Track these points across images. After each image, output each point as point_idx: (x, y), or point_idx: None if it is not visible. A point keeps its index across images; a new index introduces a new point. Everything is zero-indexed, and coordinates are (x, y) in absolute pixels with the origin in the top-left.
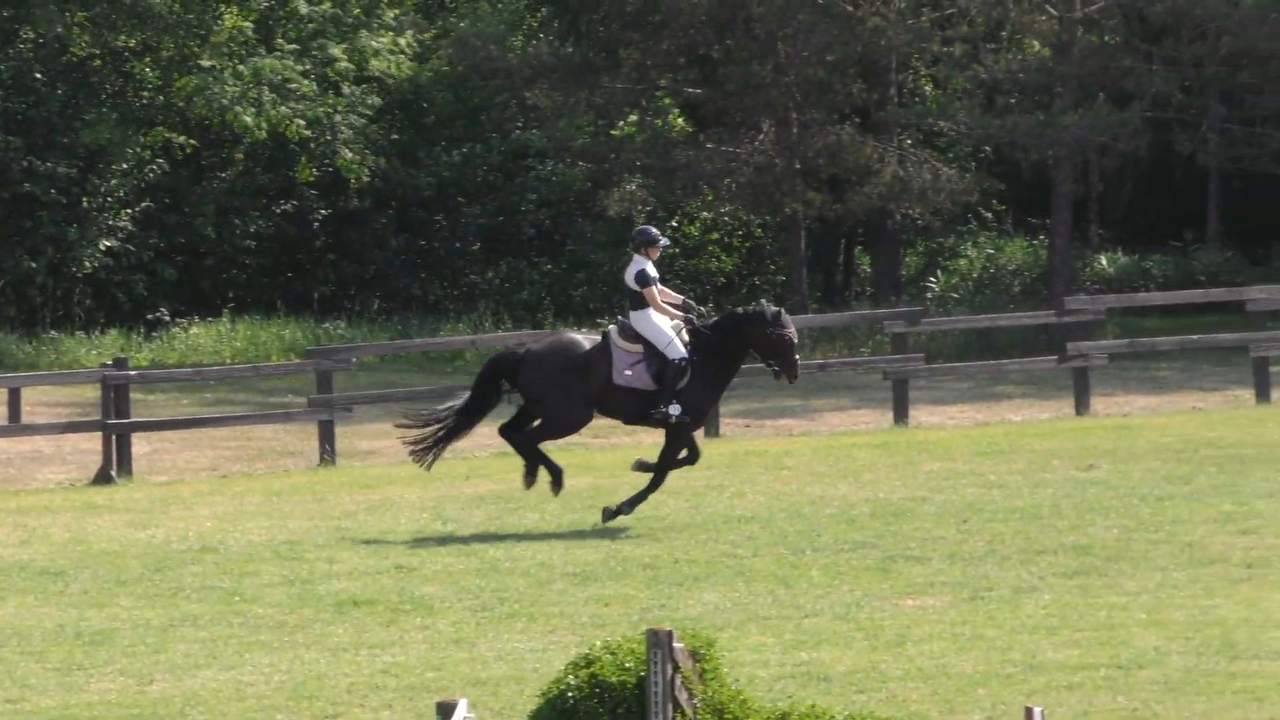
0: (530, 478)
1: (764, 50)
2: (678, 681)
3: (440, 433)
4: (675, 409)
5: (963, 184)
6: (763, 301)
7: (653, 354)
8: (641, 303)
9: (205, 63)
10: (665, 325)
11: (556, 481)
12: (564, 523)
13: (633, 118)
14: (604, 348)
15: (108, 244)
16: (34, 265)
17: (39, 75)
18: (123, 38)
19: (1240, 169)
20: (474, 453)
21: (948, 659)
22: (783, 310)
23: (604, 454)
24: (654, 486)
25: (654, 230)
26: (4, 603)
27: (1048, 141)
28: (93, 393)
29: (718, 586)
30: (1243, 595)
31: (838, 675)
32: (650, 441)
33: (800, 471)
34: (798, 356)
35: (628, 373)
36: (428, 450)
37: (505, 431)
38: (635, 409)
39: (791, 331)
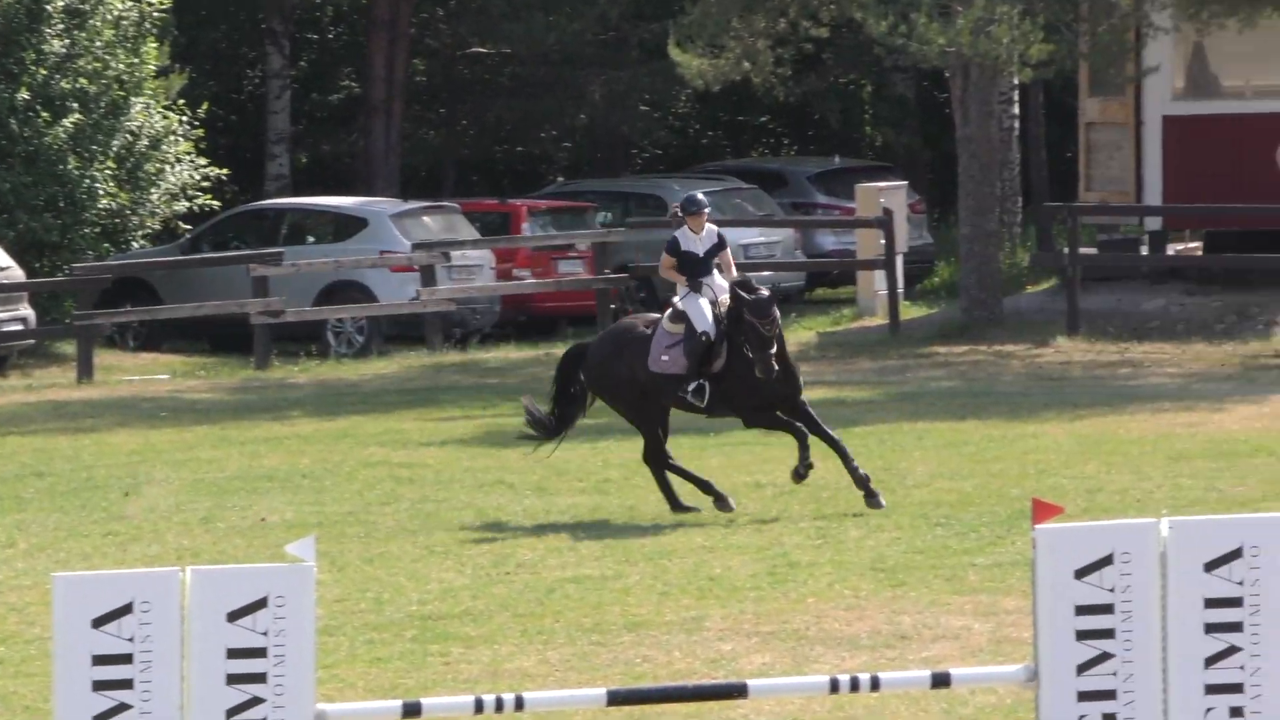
0: (713, 498)
1: None
2: None
3: (551, 425)
4: (693, 388)
5: None
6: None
7: (690, 333)
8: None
9: None
10: (706, 301)
11: (719, 500)
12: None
13: None
14: (652, 333)
15: None
16: None
17: None
18: None
19: None
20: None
21: None
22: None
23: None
24: (841, 455)
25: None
26: None
27: None
28: None
29: None
30: None
31: None
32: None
33: None
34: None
35: (664, 358)
36: (547, 437)
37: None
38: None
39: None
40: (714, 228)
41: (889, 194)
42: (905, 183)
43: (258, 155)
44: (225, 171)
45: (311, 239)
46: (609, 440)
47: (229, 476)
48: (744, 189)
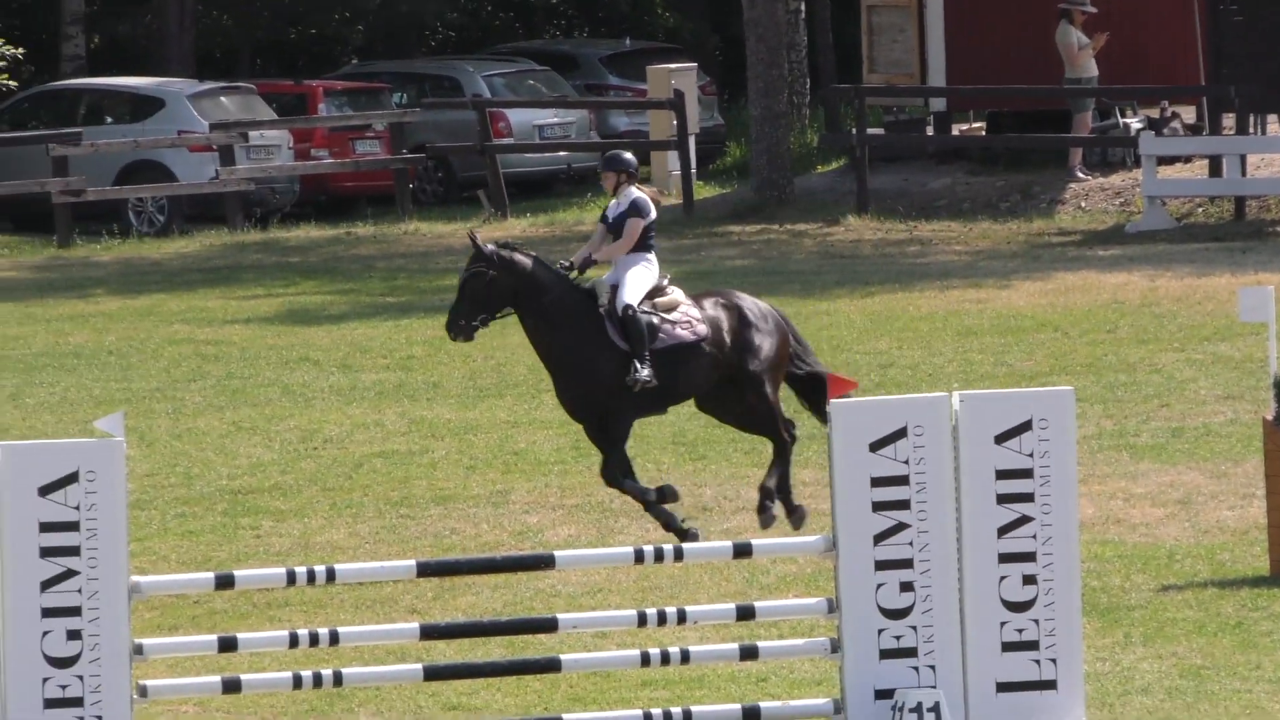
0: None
1: None
2: None
3: None
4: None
5: None
6: None
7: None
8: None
9: None
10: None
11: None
12: None
13: None
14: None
15: None
16: None
17: None
18: None
19: None
20: None
21: None
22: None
23: None
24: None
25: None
26: None
27: None
28: None
29: None
30: None
31: None
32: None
33: None
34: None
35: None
36: None
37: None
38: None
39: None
40: (633, 191)
41: (679, 76)
42: (695, 65)
43: (53, 36)
44: (21, 51)
45: (109, 119)
46: (411, 318)
47: (36, 353)
48: (537, 70)
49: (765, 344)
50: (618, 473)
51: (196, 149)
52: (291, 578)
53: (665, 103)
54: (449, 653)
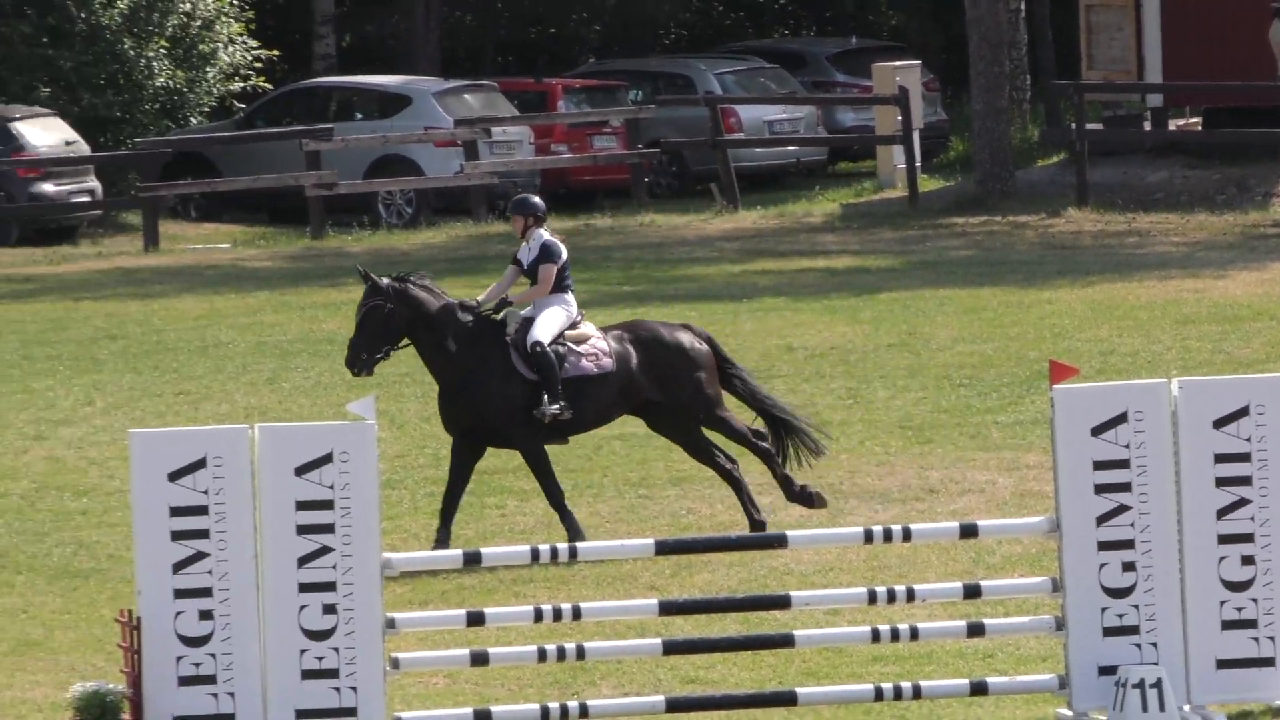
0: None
1: None
2: None
3: None
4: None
5: None
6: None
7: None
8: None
9: None
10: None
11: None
12: None
13: None
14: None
15: None
16: None
17: None
18: None
19: None
20: None
21: None
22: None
23: None
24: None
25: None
26: None
27: None
28: None
29: None
30: None
31: None
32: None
33: None
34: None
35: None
36: None
37: None
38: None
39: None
40: (542, 235)
41: (904, 73)
42: (919, 62)
43: (305, 36)
44: (275, 53)
45: (359, 116)
46: (647, 306)
47: (291, 340)
48: (767, 68)
49: (684, 373)
50: (559, 500)
51: (442, 144)
52: (535, 555)
53: (890, 99)
54: (686, 628)
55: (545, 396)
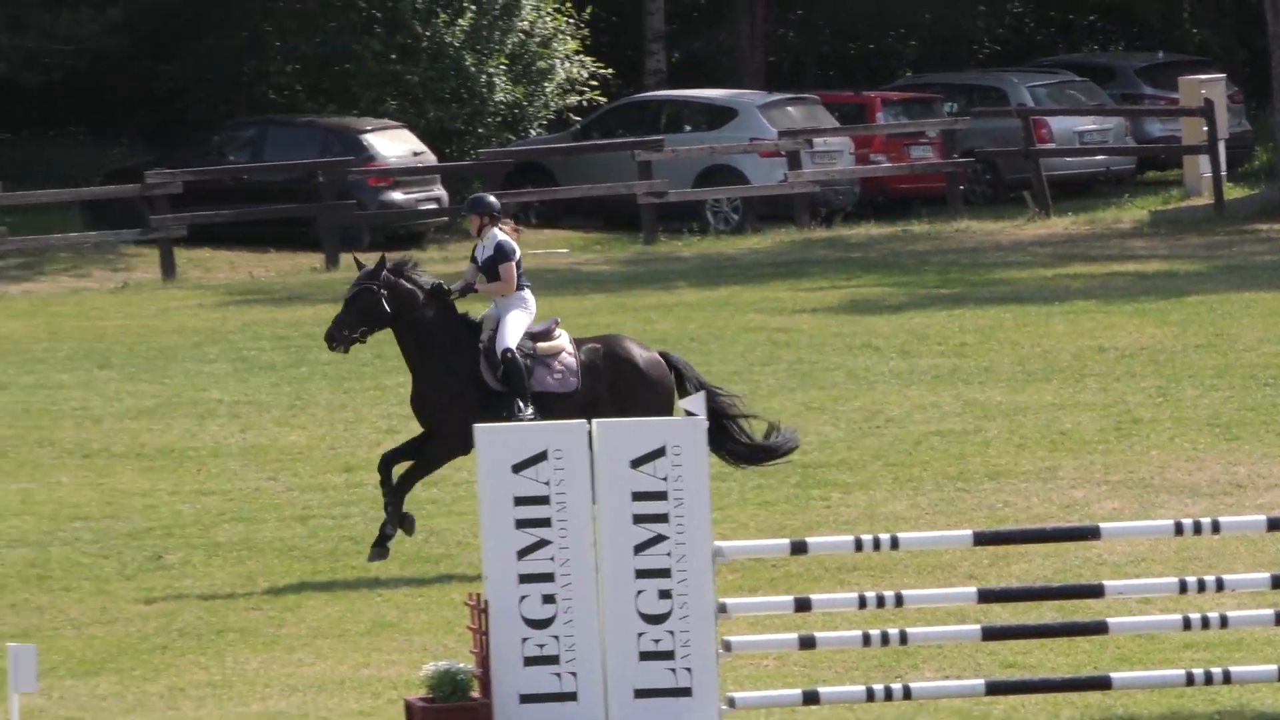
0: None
1: None
2: None
3: None
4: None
5: None
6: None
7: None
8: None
9: None
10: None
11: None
12: None
13: None
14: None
15: None
16: None
17: None
18: None
19: None
20: None
21: None
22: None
23: None
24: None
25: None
26: None
27: None
28: None
29: None
30: None
31: None
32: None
33: None
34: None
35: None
36: None
37: None
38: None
39: None
40: (496, 234)
41: (1209, 85)
42: (1224, 75)
43: (637, 52)
44: (610, 71)
45: (688, 127)
46: (964, 308)
47: None
48: (1077, 81)
49: (647, 401)
50: (403, 482)
51: (767, 154)
52: (859, 545)
53: (1196, 110)
54: (1004, 615)
55: (517, 401)
